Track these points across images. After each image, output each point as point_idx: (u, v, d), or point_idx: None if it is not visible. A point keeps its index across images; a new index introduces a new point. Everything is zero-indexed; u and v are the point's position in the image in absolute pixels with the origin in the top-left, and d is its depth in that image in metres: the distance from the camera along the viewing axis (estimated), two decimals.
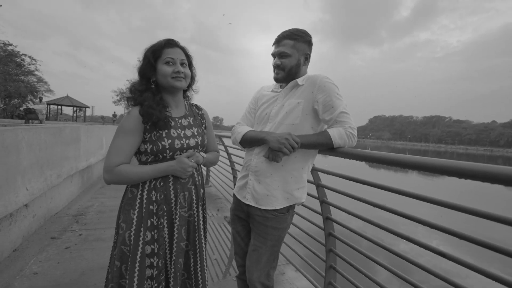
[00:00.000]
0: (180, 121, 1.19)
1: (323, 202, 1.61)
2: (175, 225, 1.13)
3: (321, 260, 1.73)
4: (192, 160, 1.14)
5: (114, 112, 27.66)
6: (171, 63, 1.12)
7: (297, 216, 1.99)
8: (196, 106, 1.35)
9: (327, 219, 1.61)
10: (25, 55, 27.91)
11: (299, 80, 1.27)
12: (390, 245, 1.28)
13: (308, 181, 1.57)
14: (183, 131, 1.17)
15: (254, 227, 1.28)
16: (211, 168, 5.35)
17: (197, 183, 1.22)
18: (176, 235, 1.12)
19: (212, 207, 4.06)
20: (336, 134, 1.14)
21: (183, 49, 1.18)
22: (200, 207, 1.24)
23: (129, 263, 1.05)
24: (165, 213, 1.12)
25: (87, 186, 4.79)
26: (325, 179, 1.63)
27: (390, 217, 1.19)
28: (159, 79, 1.13)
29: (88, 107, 30.70)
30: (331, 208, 1.62)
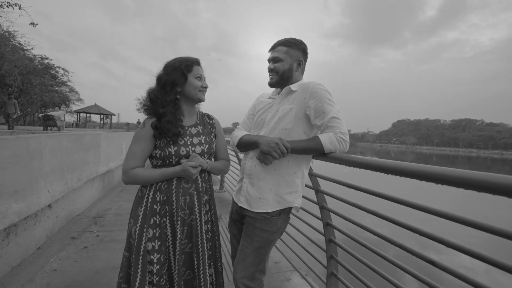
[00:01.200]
0: (189, 129, 1.30)
1: (323, 208, 1.60)
2: (176, 226, 1.22)
3: (323, 267, 1.70)
4: (195, 163, 1.21)
5: (139, 119, 28.89)
6: (199, 79, 1.28)
7: (299, 221, 1.98)
8: (208, 115, 1.45)
9: (327, 225, 1.60)
10: (59, 67, 30.19)
11: (293, 86, 1.30)
12: (392, 254, 1.25)
13: (307, 186, 1.58)
14: (190, 139, 1.28)
15: (245, 227, 1.31)
16: (226, 175, 5.44)
17: (200, 189, 1.29)
18: (179, 235, 1.22)
19: (225, 211, 4.11)
20: (326, 140, 1.14)
21: (202, 70, 1.33)
22: (203, 212, 1.29)
23: (133, 256, 1.17)
24: (167, 213, 1.22)
25: (108, 190, 5.05)
26: (325, 185, 1.62)
27: (391, 226, 1.16)
28: (188, 90, 1.26)
29: (114, 115, 32.40)
30: (332, 214, 1.60)
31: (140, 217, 1.21)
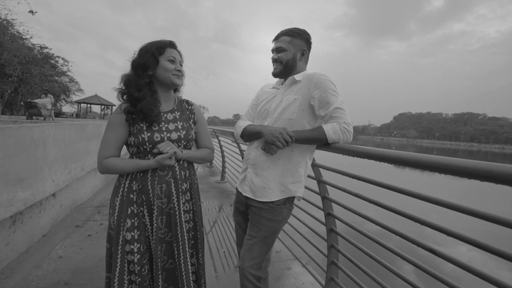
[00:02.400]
0: (165, 115, 1.25)
1: (325, 198, 1.62)
2: (154, 215, 1.20)
3: (324, 255, 1.74)
4: (168, 154, 1.15)
5: None
6: (172, 62, 1.22)
7: (301, 212, 2.01)
8: (187, 101, 1.39)
9: (329, 215, 1.62)
10: (59, 57, 29.91)
11: (297, 76, 1.30)
12: (392, 243, 1.27)
13: (309, 177, 1.59)
14: (166, 125, 1.23)
15: (250, 217, 1.33)
16: (226, 165, 5.48)
17: (178, 176, 1.25)
18: (155, 224, 1.19)
19: (226, 202, 4.16)
20: (330, 130, 1.15)
21: (180, 53, 1.28)
22: (183, 201, 1.26)
23: (113, 247, 1.17)
24: (144, 202, 1.20)
25: (110, 180, 5.09)
26: (327, 175, 1.63)
27: (392, 215, 1.18)
28: (160, 74, 1.20)
29: (115, 105, 32.20)
30: (333, 204, 1.62)
31: (117, 208, 1.18)
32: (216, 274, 2.15)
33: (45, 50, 27.84)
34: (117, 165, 1.17)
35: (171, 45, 1.24)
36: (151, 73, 1.20)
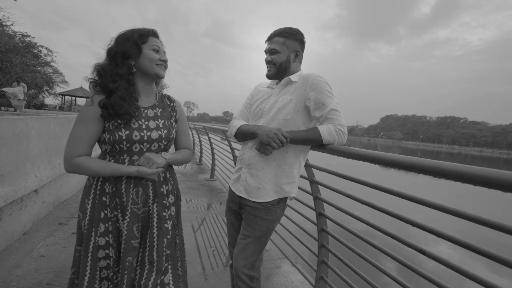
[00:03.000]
0: (146, 111, 1.14)
1: (316, 198, 1.63)
2: (125, 221, 1.08)
3: (314, 255, 1.76)
4: (153, 171, 1.08)
5: None
6: (157, 51, 1.12)
7: (292, 211, 2.02)
8: (168, 97, 1.28)
9: (320, 215, 1.63)
10: (42, 46, 28.70)
11: (293, 77, 1.29)
12: (381, 243, 1.30)
13: (302, 177, 1.60)
14: (146, 122, 1.12)
15: (245, 217, 1.32)
16: (216, 163, 5.44)
17: (156, 179, 1.14)
18: (126, 232, 1.07)
19: (215, 200, 4.13)
20: (325, 131, 1.15)
21: (162, 43, 1.17)
22: (162, 205, 1.16)
23: (83, 252, 1.07)
24: (118, 206, 1.09)
25: None
26: (319, 175, 1.65)
27: (381, 216, 1.21)
28: (143, 64, 1.09)
29: None
30: (325, 204, 1.64)
31: (88, 211, 1.07)
32: (204, 273, 2.13)
33: (28, 39, 26.65)
34: (91, 167, 1.03)
35: (154, 33, 1.14)
36: (132, 63, 1.09)
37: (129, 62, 1.08)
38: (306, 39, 1.36)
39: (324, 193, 1.65)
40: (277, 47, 1.28)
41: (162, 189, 1.17)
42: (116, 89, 1.04)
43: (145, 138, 1.10)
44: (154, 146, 1.14)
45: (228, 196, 1.48)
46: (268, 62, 1.32)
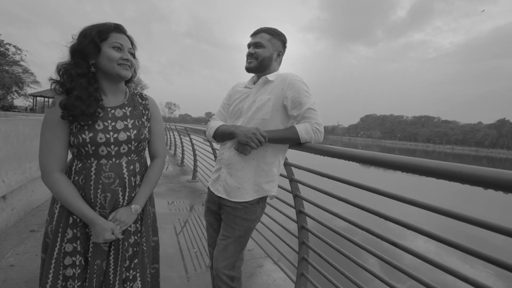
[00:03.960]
0: (113, 111, 1.07)
1: (296, 196, 1.66)
2: None
3: (295, 252, 1.79)
4: (122, 227, 1.04)
5: None
6: (119, 49, 1.04)
7: (273, 210, 2.05)
8: (141, 95, 1.21)
9: (300, 212, 1.67)
10: (9, 44, 27.01)
11: (270, 76, 1.31)
12: (360, 239, 1.34)
13: (282, 175, 1.62)
14: (113, 123, 1.05)
15: (224, 217, 1.32)
16: (198, 164, 5.37)
17: (126, 184, 1.08)
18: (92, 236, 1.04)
19: (197, 201, 4.09)
20: (302, 129, 1.18)
21: (130, 38, 1.09)
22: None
23: (47, 258, 1.02)
24: None
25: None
26: (298, 174, 1.68)
27: (359, 212, 1.25)
28: (102, 64, 1.02)
29: None
30: (304, 202, 1.67)
31: (56, 216, 1.02)
32: (187, 275, 2.11)
33: None
34: (62, 198, 0.98)
35: (117, 29, 1.04)
36: (92, 62, 1.01)
37: (87, 61, 1.01)
38: (288, 41, 1.39)
39: (304, 191, 1.69)
40: (263, 41, 1.30)
41: (133, 195, 1.12)
42: (73, 88, 0.98)
43: (111, 140, 1.03)
44: (124, 149, 1.07)
45: (207, 197, 1.47)
46: (250, 55, 1.33)
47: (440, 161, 0.76)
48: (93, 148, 1.01)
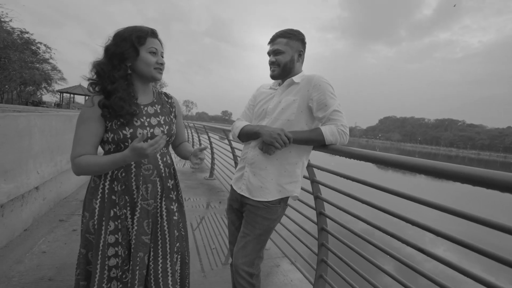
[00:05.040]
0: (146, 108, 1.15)
1: (317, 198, 1.66)
2: (135, 217, 1.10)
3: (313, 253, 1.79)
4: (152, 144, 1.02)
5: None
6: (154, 54, 1.10)
7: (292, 211, 2.05)
8: (166, 94, 1.29)
9: (320, 214, 1.66)
10: (41, 43, 28.62)
11: (295, 78, 1.32)
12: (380, 243, 1.33)
13: (304, 177, 1.63)
14: (148, 119, 1.12)
15: (246, 215, 1.35)
16: (216, 162, 5.46)
17: (163, 174, 1.17)
18: (136, 228, 1.09)
19: (214, 199, 4.15)
20: (328, 131, 1.18)
21: (161, 42, 1.15)
22: (165, 199, 1.18)
23: (93, 251, 1.07)
24: (127, 204, 1.10)
25: None
26: (320, 175, 1.67)
27: (381, 215, 1.24)
28: (140, 67, 1.09)
29: None
30: (325, 203, 1.67)
31: (96, 210, 1.08)
32: (203, 272, 2.15)
33: (26, 35, 26.54)
34: (89, 164, 1.01)
35: (153, 34, 1.10)
36: (129, 65, 1.08)
37: (125, 64, 1.07)
38: (306, 40, 1.39)
39: (324, 193, 1.68)
40: (281, 47, 1.31)
41: (168, 184, 1.20)
42: (115, 90, 1.03)
43: (149, 135, 1.10)
44: None
45: (229, 195, 1.50)
46: (272, 63, 1.34)
47: (467, 166, 0.74)
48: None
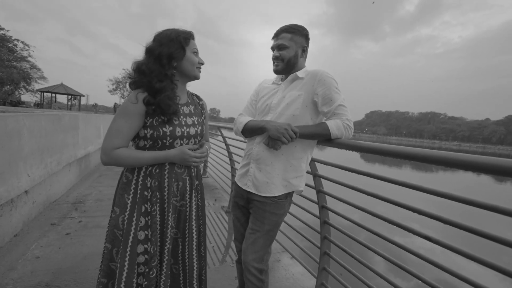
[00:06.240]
0: (182, 108, 1.19)
1: (319, 192, 1.68)
2: (165, 213, 1.13)
3: (316, 247, 1.81)
4: (198, 154, 1.16)
5: (115, 103, 26.69)
6: (196, 54, 1.18)
7: (294, 206, 2.06)
8: (197, 96, 1.35)
9: (323, 207, 1.68)
10: (18, 40, 27.28)
11: (299, 73, 1.32)
12: (383, 232, 1.36)
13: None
14: (184, 119, 1.17)
15: (253, 211, 1.35)
16: (209, 159, 5.40)
17: (192, 174, 1.23)
18: (166, 224, 1.13)
19: (209, 197, 4.13)
20: (333, 126, 1.19)
21: None
22: (194, 198, 1.24)
23: (120, 247, 1.07)
24: (158, 200, 1.13)
25: (85, 175, 4.82)
26: (321, 169, 1.69)
27: (382, 205, 1.26)
28: (185, 66, 1.14)
29: (83, 96, 30.25)
30: (327, 197, 1.69)
31: (128, 206, 1.09)
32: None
33: (1, 32, 25.25)
34: (130, 156, 1.06)
35: (193, 35, 1.18)
36: (174, 64, 1.12)
37: (172, 63, 1.12)
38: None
39: (327, 186, 1.71)
40: (285, 42, 1.30)
41: (196, 182, 1.26)
42: (163, 88, 1.07)
43: (185, 134, 1.15)
44: (191, 142, 1.20)
45: (233, 192, 1.49)
46: (275, 58, 1.34)
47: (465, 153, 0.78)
48: (170, 140, 1.12)
